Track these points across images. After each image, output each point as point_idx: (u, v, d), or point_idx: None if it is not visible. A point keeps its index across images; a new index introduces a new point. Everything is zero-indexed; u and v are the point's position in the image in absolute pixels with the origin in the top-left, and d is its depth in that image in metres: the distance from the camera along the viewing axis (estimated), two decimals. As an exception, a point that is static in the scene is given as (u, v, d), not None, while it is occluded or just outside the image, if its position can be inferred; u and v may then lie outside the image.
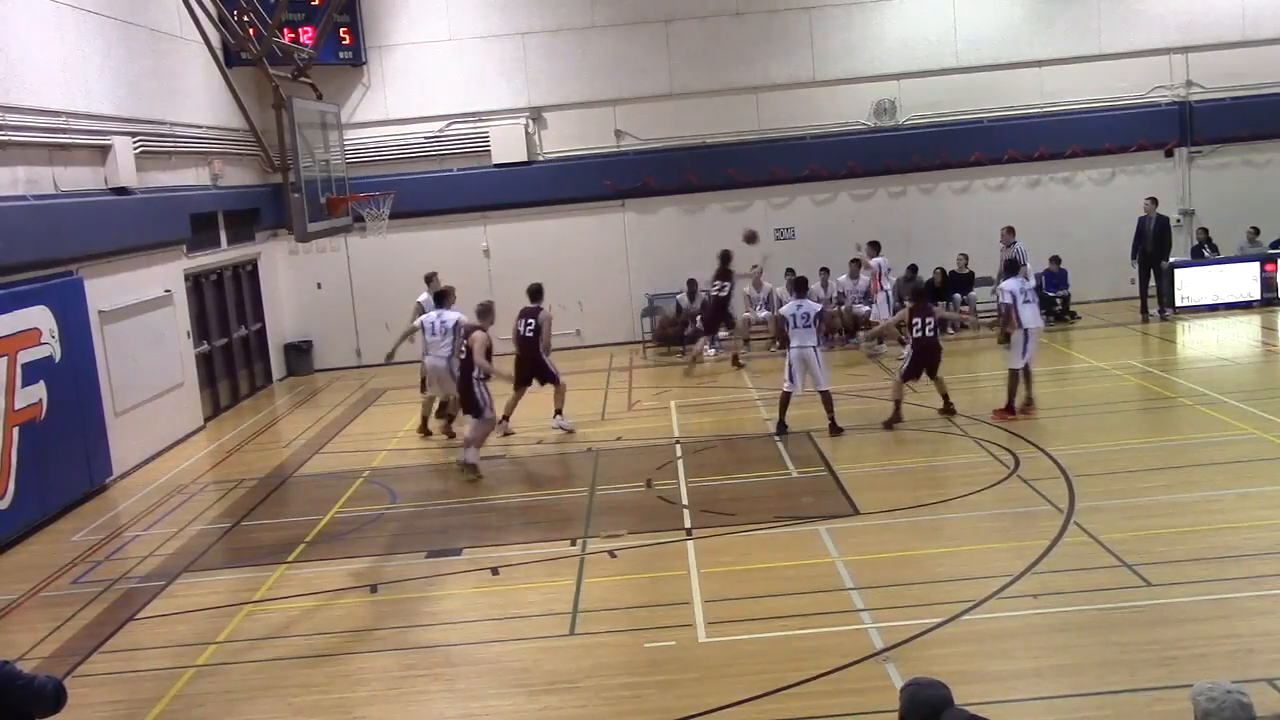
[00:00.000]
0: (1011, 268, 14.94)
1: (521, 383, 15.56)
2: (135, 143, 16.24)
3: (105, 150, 15.58)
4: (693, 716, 7.31)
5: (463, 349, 13.86)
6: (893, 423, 14.34)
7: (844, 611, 8.80)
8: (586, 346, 22.55)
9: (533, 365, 15.41)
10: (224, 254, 20.16)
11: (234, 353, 20.36)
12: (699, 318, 21.50)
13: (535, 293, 15.80)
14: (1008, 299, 14.21)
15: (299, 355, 22.78)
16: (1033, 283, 15.32)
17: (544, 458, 14.77)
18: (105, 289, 15.21)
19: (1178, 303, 21.07)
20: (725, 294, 19.80)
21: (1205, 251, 21.94)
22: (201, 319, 18.99)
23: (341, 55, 21.72)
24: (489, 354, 13.40)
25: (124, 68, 16.49)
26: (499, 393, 14.33)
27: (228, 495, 14.01)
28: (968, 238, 21.76)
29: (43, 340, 13.36)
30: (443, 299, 15.77)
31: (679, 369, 20.27)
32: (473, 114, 22.50)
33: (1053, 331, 20.46)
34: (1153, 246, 20.95)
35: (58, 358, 13.63)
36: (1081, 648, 7.82)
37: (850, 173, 22.56)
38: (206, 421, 18.41)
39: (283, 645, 9.09)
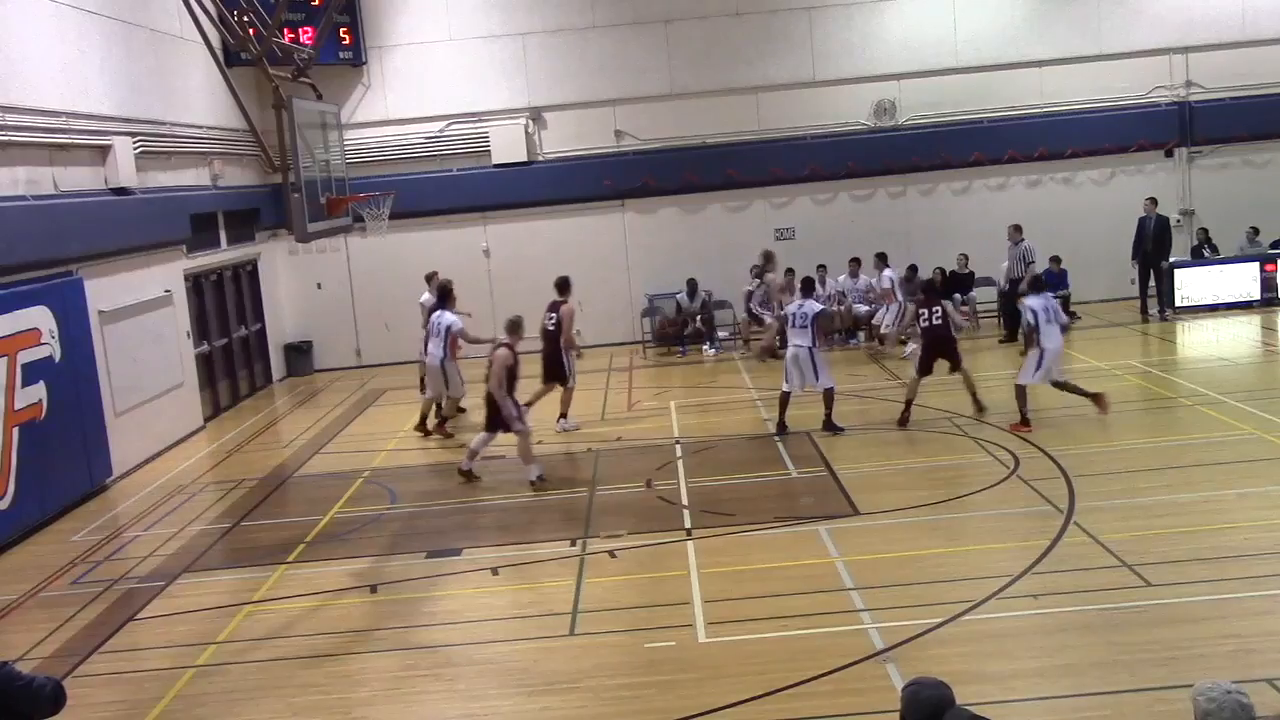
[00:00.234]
0: (1036, 284, 14.63)
1: (549, 379, 15.65)
2: (135, 143, 16.24)
3: (105, 150, 15.58)
4: (693, 716, 7.31)
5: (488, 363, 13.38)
6: (904, 421, 14.33)
7: (844, 611, 8.80)
8: (587, 346, 22.36)
9: (550, 360, 15.42)
10: (224, 254, 20.16)
11: (234, 353, 20.36)
12: (699, 317, 21.55)
13: (561, 286, 15.93)
14: (1030, 317, 13.95)
15: (299, 355, 22.78)
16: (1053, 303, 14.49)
17: (544, 458, 14.72)
18: (105, 289, 15.21)
19: (1178, 303, 21.07)
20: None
21: (1205, 251, 21.94)
22: (201, 319, 18.99)
23: (341, 55, 21.72)
24: (511, 374, 13.00)
25: (124, 68, 16.49)
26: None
27: (228, 495, 14.01)
28: (968, 238, 21.77)
29: (43, 340, 13.36)
30: (444, 298, 15.79)
31: (679, 369, 20.29)
32: (473, 114, 22.51)
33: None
34: (1152, 246, 20.96)
35: (58, 358, 13.63)
36: (1082, 648, 7.82)
37: (850, 173, 22.57)
38: (206, 422, 18.41)
39: (283, 645, 9.08)
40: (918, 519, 10.84)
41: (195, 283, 18.78)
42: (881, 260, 20.60)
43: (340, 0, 19.76)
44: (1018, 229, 20.44)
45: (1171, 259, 21.27)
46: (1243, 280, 21.20)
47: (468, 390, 15.89)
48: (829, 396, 14.34)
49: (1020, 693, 7.30)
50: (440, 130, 22.54)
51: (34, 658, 9.08)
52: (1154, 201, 21.29)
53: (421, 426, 16.18)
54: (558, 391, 15.75)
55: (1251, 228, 21.95)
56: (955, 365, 14.59)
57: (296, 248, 21.66)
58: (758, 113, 22.60)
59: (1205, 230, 22.12)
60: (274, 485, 14.37)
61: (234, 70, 16.96)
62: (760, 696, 7.44)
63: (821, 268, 21.37)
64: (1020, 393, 13.88)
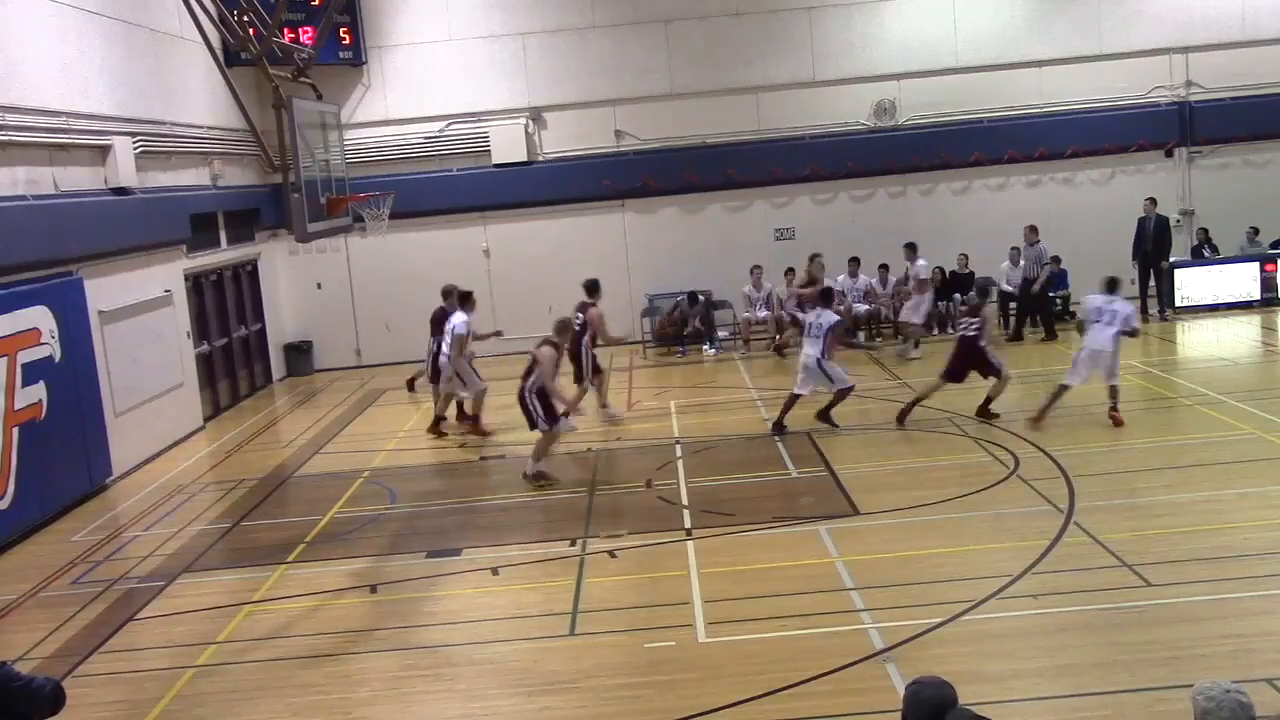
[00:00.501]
0: (1112, 285, 14.26)
1: (578, 379, 15.82)
2: (135, 143, 16.24)
3: (105, 150, 15.58)
4: (693, 716, 7.31)
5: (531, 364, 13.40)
6: (903, 418, 14.34)
7: (844, 611, 8.79)
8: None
9: (574, 360, 15.58)
10: (224, 254, 20.16)
11: (234, 353, 20.36)
12: (698, 317, 21.58)
13: (590, 288, 16.24)
14: (1081, 315, 14.04)
15: (299, 355, 22.78)
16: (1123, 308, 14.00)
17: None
18: (105, 289, 15.21)
19: (1178, 303, 21.08)
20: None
21: (1205, 251, 21.94)
22: (201, 319, 19.00)
23: (341, 55, 21.72)
24: (555, 369, 13.15)
25: (124, 68, 16.49)
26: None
27: (228, 495, 14.01)
28: (968, 238, 21.75)
29: (43, 340, 13.36)
30: (462, 302, 15.76)
31: (679, 369, 20.30)
32: (473, 114, 22.51)
33: (1036, 333, 20.51)
34: (1152, 246, 20.97)
35: (58, 358, 13.63)
36: (1082, 648, 7.82)
37: (850, 173, 22.57)
38: (206, 422, 18.41)
39: (283, 645, 9.08)
40: (918, 519, 10.83)
41: (195, 283, 18.78)
42: (912, 251, 20.24)
43: (340, 0, 19.75)
44: (1033, 230, 20.47)
45: (1171, 259, 21.27)
46: (1243, 280, 21.20)
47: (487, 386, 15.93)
48: (840, 395, 14.37)
49: (1020, 693, 7.30)
50: (440, 130, 22.54)
51: (34, 658, 9.09)
52: (1154, 201, 21.29)
53: (435, 428, 16.16)
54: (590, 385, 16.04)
55: (1251, 228, 21.95)
56: (995, 374, 14.37)
57: (296, 248, 21.66)
58: (758, 113, 22.60)
59: (1205, 230, 22.11)
60: (274, 485, 14.36)
61: (234, 70, 16.94)
62: (760, 696, 7.44)
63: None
64: (1056, 390, 13.79)
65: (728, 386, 18.39)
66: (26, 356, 12.98)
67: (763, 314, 21.39)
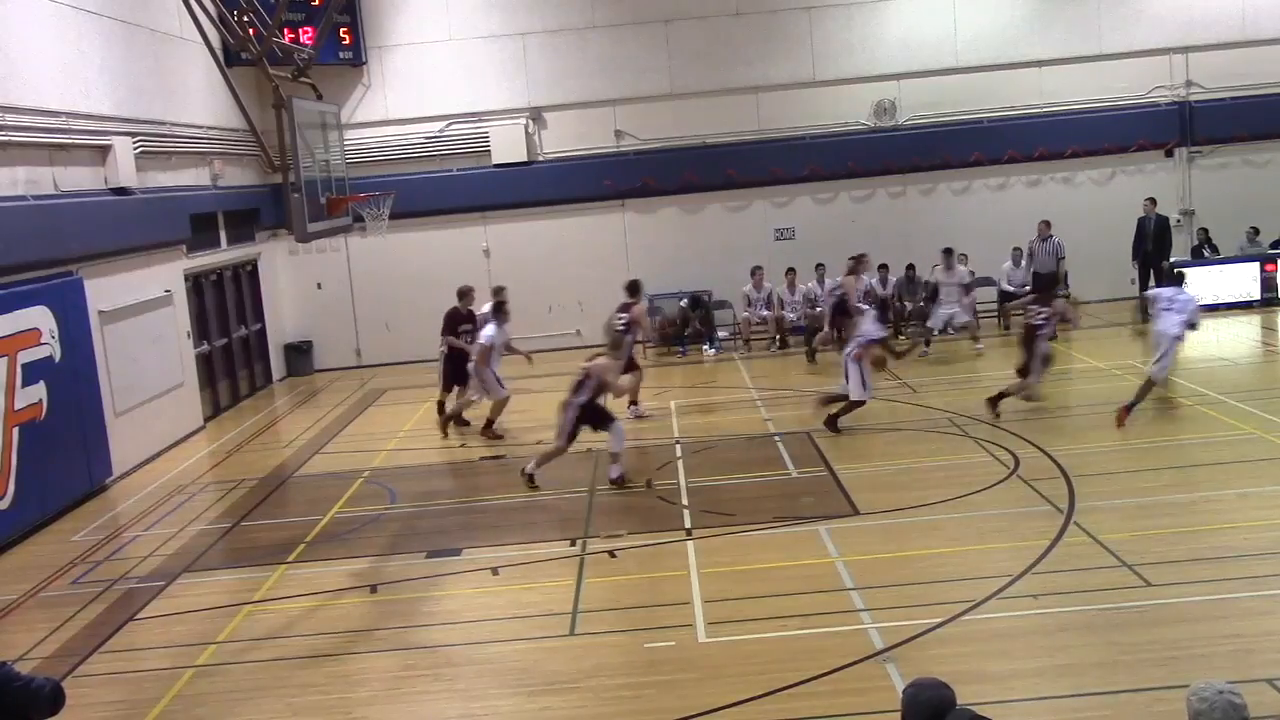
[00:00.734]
0: (1178, 277, 14.41)
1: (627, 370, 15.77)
2: (135, 143, 16.24)
3: (105, 150, 15.58)
4: (693, 716, 7.31)
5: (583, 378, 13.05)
6: (995, 402, 14.30)
7: (844, 611, 8.79)
8: (587, 346, 22.46)
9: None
10: (224, 254, 20.16)
11: (234, 353, 20.36)
12: (698, 318, 21.56)
13: (631, 289, 16.30)
14: (1153, 307, 14.12)
15: (299, 355, 22.78)
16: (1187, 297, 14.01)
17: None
18: (105, 289, 15.21)
19: (1178, 303, 21.04)
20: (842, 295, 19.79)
21: (1205, 251, 21.95)
22: (201, 319, 18.99)
23: (341, 55, 21.72)
24: (605, 386, 12.98)
25: (124, 68, 16.49)
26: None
27: (228, 495, 14.01)
28: (968, 238, 21.72)
29: (43, 340, 13.36)
30: (497, 312, 15.71)
31: (679, 369, 20.30)
32: (473, 114, 22.51)
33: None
34: (1153, 246, 20.97)
35: (58, 358, 13.63)
36: (1082, 648, 7.82)
37: (850, 173, 22.56)
38: (206, 422, 18.41)
39: (283, 645, 9.08)
40: (918, 519, 10.83)
41: (195, 283, 18.78)
42: (949, 256, 19.93)
43: (340, 0, 19.75)
44: (1047, 224, 20.51)
45: (1172, 259, 21.26)
46: (1243, 280, 21.19)
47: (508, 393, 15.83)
48: (851, 404, 14.24)
49: (1020, 693, 7.30)
50: (440, 130, 22.55)
51: (34, 658, 9.09)
52: (1153, 202, 21.30)
53: (446, 424, 16.19)
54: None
55: (1251, 228, 21.95)
56: (1027, 372, 14.36)
57: (296, 248, 21.66)
58: (758, 113, 22.60)
59: (1205, 230, 22.12)
60: (274, 485, 14.36)
61: (234, 70, 16.95)
62: (760, 696, 7.44)
63: (820, 266, 21.39)
64: (1145, 384, 13.79)
65: (728, 386, 18.39)
66: (26, 356, 12.98)
67: (763, 314, 21.39)
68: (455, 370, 16.27)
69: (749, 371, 19.42)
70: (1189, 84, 22.52)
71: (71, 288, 14.25)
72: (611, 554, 10.57)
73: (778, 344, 21.38)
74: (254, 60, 13.02)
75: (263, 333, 21.74)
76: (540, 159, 22.71)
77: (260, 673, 8.59)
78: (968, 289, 19.87)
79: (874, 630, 8.34)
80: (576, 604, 9.41)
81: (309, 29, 20.10)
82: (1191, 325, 13.72)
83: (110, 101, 15.94)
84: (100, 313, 15.00)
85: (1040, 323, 14.39)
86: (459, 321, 16.42)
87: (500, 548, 11.00)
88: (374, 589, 10.24)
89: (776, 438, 14.33)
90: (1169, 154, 22.74)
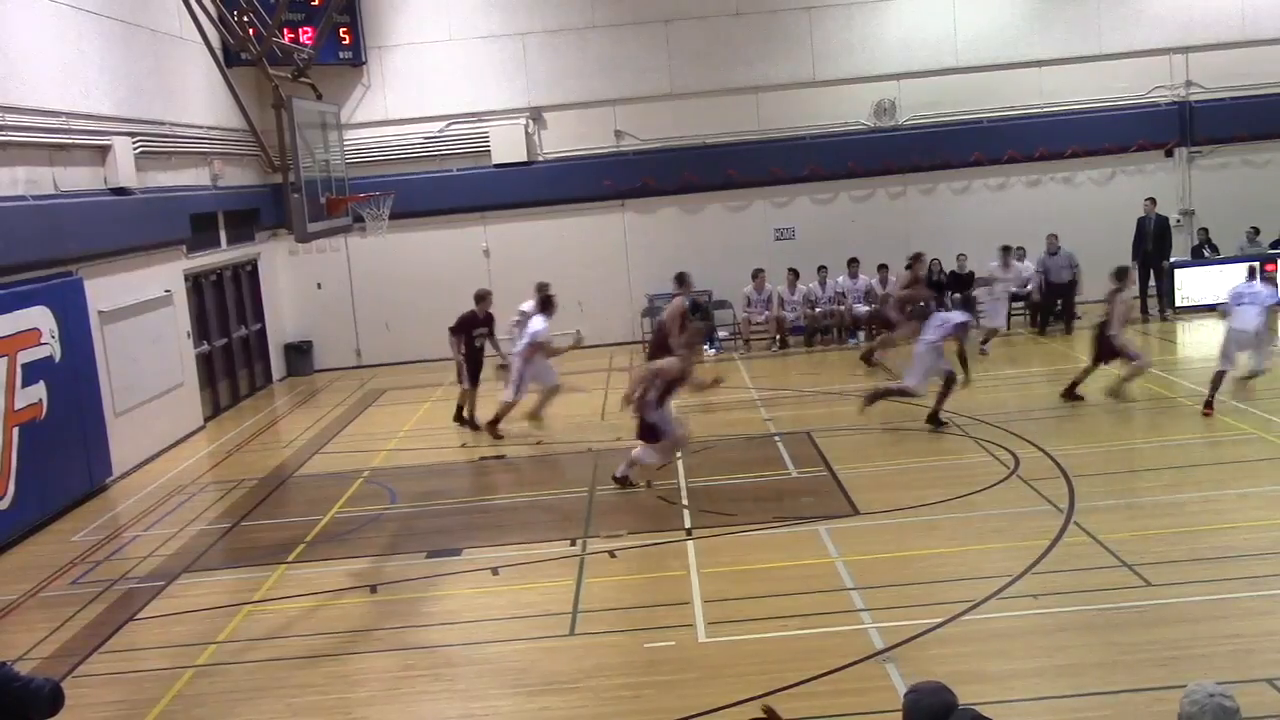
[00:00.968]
0: (1251, 271, 14.79)
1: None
2: (135, 143, 16.24)
3: (105, 150, 15.58)
4: (693, 716, 7.31)
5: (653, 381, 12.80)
6: (1071, 391, 14.79)
7: (844, 611, 8.79)
8: (586, 346, 22.47)
9: (660, 350, 15.40)
10: (224, 254, 20.16)
11: (234, 353, 20.36)
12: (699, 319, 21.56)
13: (679, 281, 16.62)
14: (1224, 303, 14.35)
15: (299, 355, 22.78)
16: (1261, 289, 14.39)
17: (544, 458, 14.76)
18: (105, 289, 15.21)
19: (1178, 303, 21.08)
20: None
21: (1205, 251, 21.94)
22: (201, 319, 18.99)
23: (341, 55, 21.73)
24: (671, 386, 12.66)
25: (124, 68, 16.49)
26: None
27: (228, 495, 14.01)
28: (967, 238, 21.73)
29: (43, 340, 13.36)
30: (543, 306, 15.60)
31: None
32: (473, 114, 22.51)
33: (1053, 331, 20.51)
34: (1153, 246, 20.97)
35: (58, 358, 13.63)
36: (1081, 648, 7.82)
37: (850, 173, 22.57)
38: (206, 422, 18.41)
39: (283, 645, 9.08)
40: (918, 519, 10.83)
41: (195, 283, 18.78)
42: (1006, 254, 20.33)
43: (340, 0, 19.75)
44: (1055, 237, 20.71)
45: (1172, 259, 21.27)
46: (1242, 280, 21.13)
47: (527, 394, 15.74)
48: (902, 390, 14.40)
49: (1020, 693, 7.30)
50: (440, 130, 22.55)
51: (34, 658, 9.09)
52: (1153, 202, 21.31)
53: (460, 417, 16.28)
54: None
55: (1251, 228, 21.94)
56: (1127, 358, 14.67)
57: (296, 248, 21.66)
58: (758, 113, 22.60)
59: (1205, 230, 22.11)
60: (274, 485, 14.36)
61: (234, 70, 16.95)
62: (760, 696, 7.41)
63: (822, 269, 21.41)
64: (1215, 377, 13.86)
65: (728, 386, 18.27)
66: (26, 356, 12.98)
67: (763, 315, 21.39)
68: (473, 371, 16.25)
69: (749, 371, 19.41)
70: (1189, 84, 22.52)
71: (71, 288, 14.25)
72: (611, 554, 10.57)
73: (778, 344, 21.38)
74: (254, 60, 13.02)
75: (263, 333, 21.74)
76: (540, 159, 22.71)
77: (260, 673, 8.59)
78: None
79: (874, 630, 8.34)
80: (576, 604, 9.41)
81: (309, 29, 20.10)
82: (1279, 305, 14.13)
83: (110, 101, 15.94)
84: (100, 313, 15.00)
85: (1102, 319, 14.83)
86: (474, 325, 16.31)
87: (500, 548, 10.99)
88: (374, 589, 10.24)
89: (776, 437, 14.33)
90: (1169, 154, 22.75)
